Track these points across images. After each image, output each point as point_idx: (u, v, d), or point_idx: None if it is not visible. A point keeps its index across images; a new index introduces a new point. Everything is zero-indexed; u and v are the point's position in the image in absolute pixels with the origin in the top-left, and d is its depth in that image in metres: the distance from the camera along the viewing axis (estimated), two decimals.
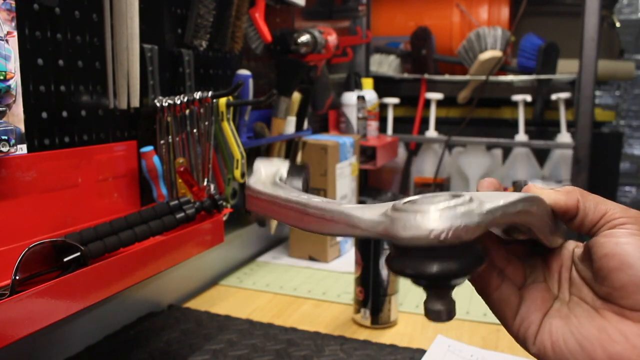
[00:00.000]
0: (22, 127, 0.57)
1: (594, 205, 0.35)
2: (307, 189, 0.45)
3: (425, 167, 1.66)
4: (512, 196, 0.32)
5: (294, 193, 0.39)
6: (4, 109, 0.54)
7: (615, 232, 0.33)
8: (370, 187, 1.60)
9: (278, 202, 0.38)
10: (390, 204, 0.32)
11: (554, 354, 0.34)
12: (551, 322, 0.35)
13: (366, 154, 1.32)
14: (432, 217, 0.28)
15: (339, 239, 1.11)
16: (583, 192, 0.36)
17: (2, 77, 0.53)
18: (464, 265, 0.30)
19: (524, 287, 0.38)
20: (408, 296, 0.91)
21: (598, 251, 0.33)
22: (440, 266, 0.29)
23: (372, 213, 0.31)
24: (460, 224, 0.28)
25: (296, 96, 1.04)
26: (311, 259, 1.09)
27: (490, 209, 0.30)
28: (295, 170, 0.45)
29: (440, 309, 0.32)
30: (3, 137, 0.50)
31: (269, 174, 0.43)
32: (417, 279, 0.31)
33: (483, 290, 0.38)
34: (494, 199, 0.31)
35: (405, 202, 0.30)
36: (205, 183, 0.80)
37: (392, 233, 0.29)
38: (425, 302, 0.32)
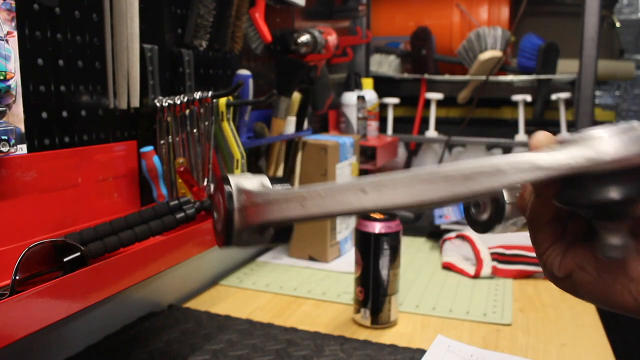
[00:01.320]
0: (22, 127, 0.57)
1: None
2: None
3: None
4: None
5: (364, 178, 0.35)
6: (4, 109, 0.54)
7: None
8: None
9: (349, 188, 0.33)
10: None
11: (579, 270, 0.36)
12: (575, 248, 0.37)
13: (366, 154, 1.32)
14: None
15: (339, 238, 1.11)
16: None
17: (2, 77, 0.53)
18: None
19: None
20: (408, 296, 0.91)
21: None
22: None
23: (549, 152, 0.31)
24: None
25: (296, 96, 1.04)
26: (311, 259, 1.09)
27: None
28: (278, 180, 0.41)
29: (626, 242, 0.32)
30: (3, 137, 0.50)
31: (254, 186, 0.38)
32: (618, 207, 0.31)
33: (538, 219, 0.38)
34: None
35: (578, 135, 0.30)
36: (205, 183, 0.80)
37: (607, 158, 0.29)
38: (607, 239, 0.32)
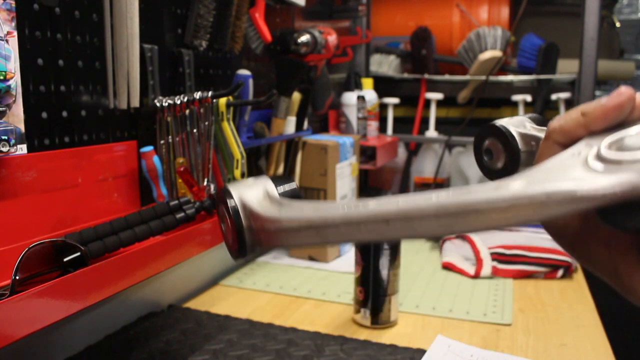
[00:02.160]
0: (22, 127, 0.57)
1: None
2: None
3: (425, 167, 1.66)
4: None
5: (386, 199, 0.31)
6: (4, 109, 0.54)
7: None
8: (370, 187, 1.60)
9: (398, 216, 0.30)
10: (569, 158, 0.29)
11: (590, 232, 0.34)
12: None
13: (366, 154, 1.32)
14: None
15: None
16: None
17: (2, 77, 0.53)
18: None
19: None
20: (408, 296, 0.91)
21: None
22: None
23: (589, 176, 0.28)
24: None
25: (296, 96, 1.04)
26: (311, 259, 1.09)
27: None
28: (282, 181, 0.37)
29: None
30: (3, 137, 0.50)
31: (259, 200, 0.35)
32: None
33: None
34: None
35: (618, 149, 0.28)
36: (205, 183, 0.80)
37: None
38: None
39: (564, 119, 0.34)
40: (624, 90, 0.31)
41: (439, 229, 0.30)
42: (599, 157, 0.28)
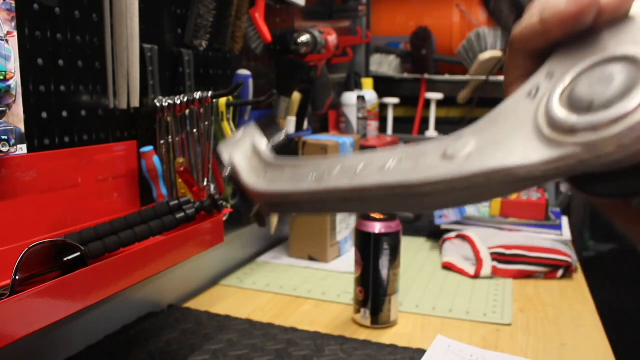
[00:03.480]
0: (22, 127, 0.57)
1: None
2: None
3: None
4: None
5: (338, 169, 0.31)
6: (4, 109, 0.54)
7: None
8: None
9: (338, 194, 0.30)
10: (524, 101, 0.27)
11: None
12: None
13: None
14: None
15: (339, 238, 1.11)
16: None
17: (2, 77, 0.53)
18: None
19: None
20: (408, 296, 0.91)
21: None
22: None
23: (525, 150, 0.25)
24: None
25: (296, 96, 1.04)
26: (311, 259, 1.09)
27: None
28: (270, 129, 0.37)
29: None
30: (3, 137, 0.50)
31: (248, 155, 0.36)
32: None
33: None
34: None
35: (569, 105, 0.24)
36: (205, 183, 0.80)
37: (608, 160, 0.22)
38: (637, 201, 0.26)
39: (523, 24, 0.29)
40: None
41: (394, 207, 0.30)
42: (549, 118, 0.25)
